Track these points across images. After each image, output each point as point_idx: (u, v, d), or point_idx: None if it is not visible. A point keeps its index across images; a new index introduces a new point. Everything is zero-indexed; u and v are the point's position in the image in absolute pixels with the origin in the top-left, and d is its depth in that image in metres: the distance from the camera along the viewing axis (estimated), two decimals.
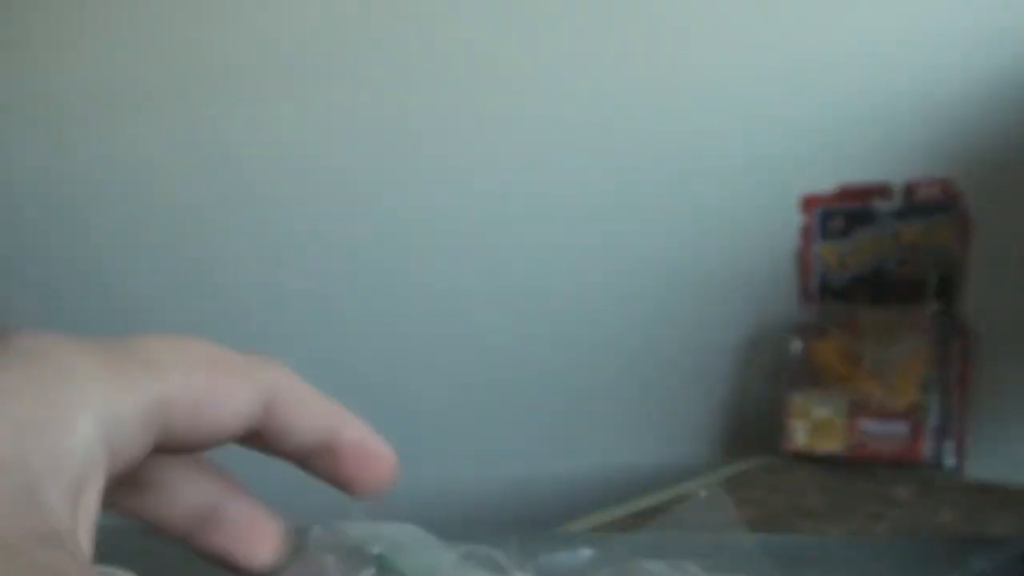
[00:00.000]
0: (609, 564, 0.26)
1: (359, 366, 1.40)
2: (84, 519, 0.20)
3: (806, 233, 1.11)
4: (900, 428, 0.95)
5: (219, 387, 0.25)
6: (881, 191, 1.07)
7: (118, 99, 1.64)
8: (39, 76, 1.74)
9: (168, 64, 1.59)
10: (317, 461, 0.29)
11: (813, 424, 0.99)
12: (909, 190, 1.06)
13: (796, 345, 1.05)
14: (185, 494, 0.28)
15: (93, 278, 1.66)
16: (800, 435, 0.99)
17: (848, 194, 1.09)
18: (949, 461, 0.97)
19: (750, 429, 1.12)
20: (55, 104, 1.72)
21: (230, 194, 1.53)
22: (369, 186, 1.41)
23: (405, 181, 1.38)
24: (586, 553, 0.27)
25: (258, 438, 0.28)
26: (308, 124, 1.47)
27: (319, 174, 1.45)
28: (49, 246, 1.72)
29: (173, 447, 0.24)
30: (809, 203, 1.11)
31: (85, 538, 0.20)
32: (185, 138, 1.57)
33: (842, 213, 1.09)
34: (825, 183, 1.10)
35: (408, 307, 1.38)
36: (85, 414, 0.20)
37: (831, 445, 0.97)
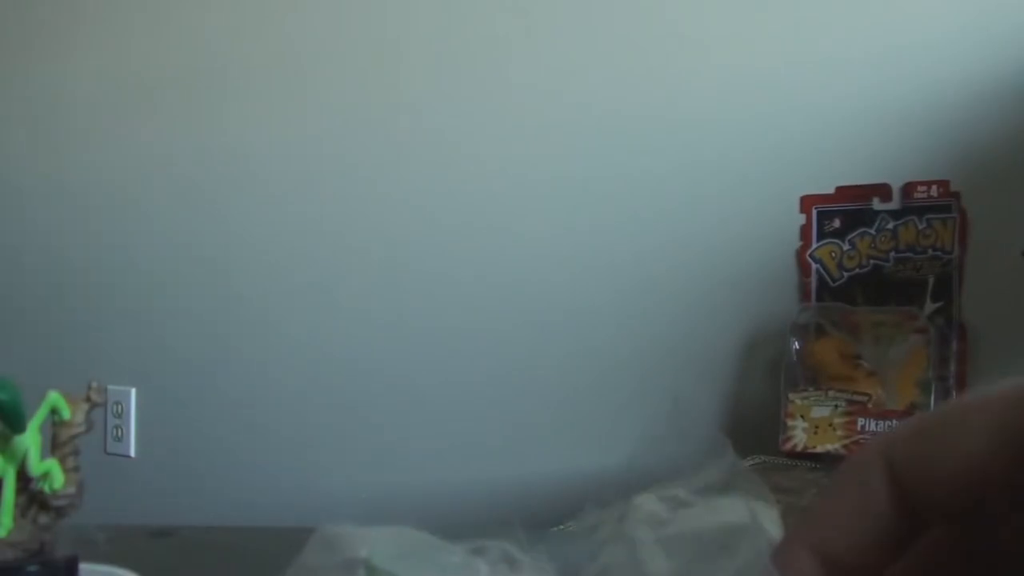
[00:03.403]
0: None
1: (360, 360, 1.41)
2: None
3: (805, 233, 1.11)
4: None
5: None
6: (879, 191, 1.07)
7: (123, 98, 1.64)
8: (46, 75, 1.74)
9: (174, 64, 1.59)
10: None
11: (812, 423, 0.99)
12: (907, 190, 1.06)
13: (795, 345, 1.05)
14: None
15: (101, 273, 1.66)
16: (799, 434, 0.99)
17: (847, 194, 1.09)
18: None
19: (749, 428, 1.12)
20: (62, 103, 1.72)
21: (235, 190, 1.53)
22: (374, 185, 1.41)
23: (408, 180, 1.38)
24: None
25: None
26: (312, 122, 1.47)
27: (323, 170, 1.45)
28: (53, 244, 1.72)
29: None
30: (808, 203, 1.11)
31: None
32: (191, 136, 1.57)
33: (841, 213, 1.09)
34: (824, 184, 1.10)
35: (409, 302, 1.38)
36: None
37: (830, 444, 0.97)
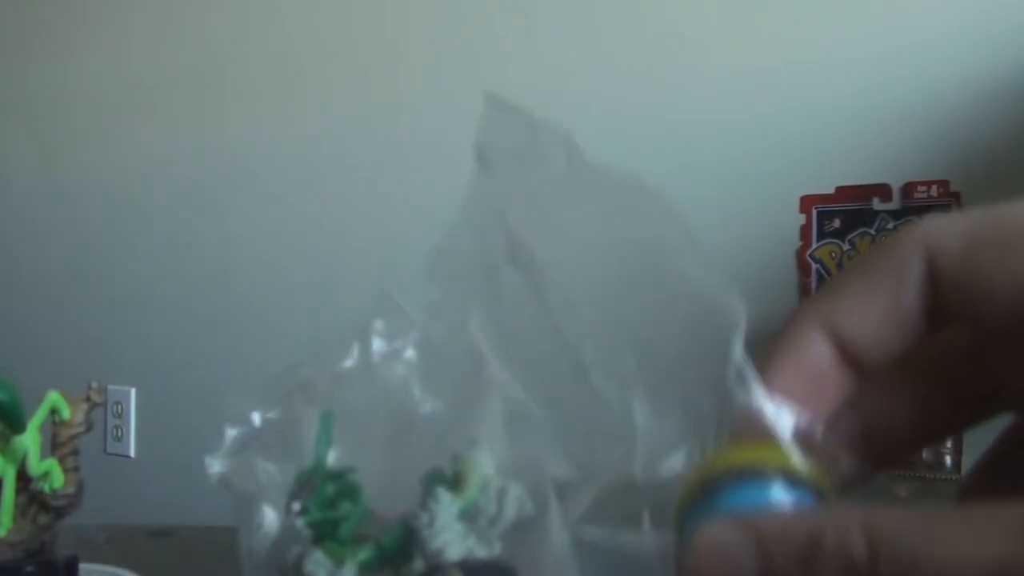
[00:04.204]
0: None
1: None
2: None
3: (805, 233, 1.11)
4: None
5: None
6: (879, 191, 1.07)
7: (123, 98, 1.64)
8: (46, 75, 1.74)
9: (174, 64, 1.59)
10: None
11: None
12: (907, 190, 1.06)
13: None
14: None
15: (101, 273, 1.66)
16: None
17: (847, 194, 1.09)
18: (948, 461, 0.97)
19: None
20: (62, 103, 1.72)
21: (235, 190, 1.53)
22: (373, 185, 1.41)
23: (408, 180, 1.38)
24: None
25: None
26: (312, 122, 1.47)
27: (323, 170, 1.45)
28: (53, 244, 1.72)
29: None
30: (808, 203, 1.11)
31: None
32: (191, 136, 1.57)
33: (841, 213, 1.09)
34: (824, 184, 1.10)
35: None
36: None
37: None
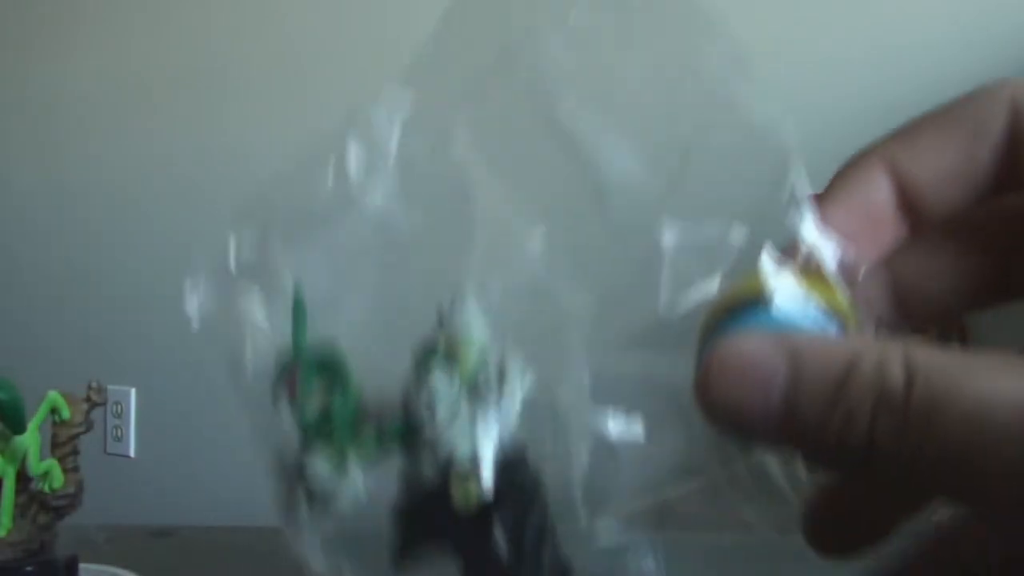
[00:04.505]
0: None
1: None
2: None
3: None
4: None
5: None
6: None
7: (123, 98, 1.64)
8: (46, 75, 1.74)
9: (174, 64, 1.59)
10: None
11: None
12: None
13: None
14: None
15: (101, 273, 1.66)
16: None
17: None
18: None
19: None
20: (62, 102, 1.72)
21: (236, 190, 1.53)
22: None
23: None
24: None
25: None
26: (312, 122, 1.47)
27: None
28: (53, 244, 1.72)
29: None
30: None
31: None
32: (191, 136, 1.57)
33: None
34: (824, 183, 1.10)
35: (410, 302, 1.38)
36: None
37: None
